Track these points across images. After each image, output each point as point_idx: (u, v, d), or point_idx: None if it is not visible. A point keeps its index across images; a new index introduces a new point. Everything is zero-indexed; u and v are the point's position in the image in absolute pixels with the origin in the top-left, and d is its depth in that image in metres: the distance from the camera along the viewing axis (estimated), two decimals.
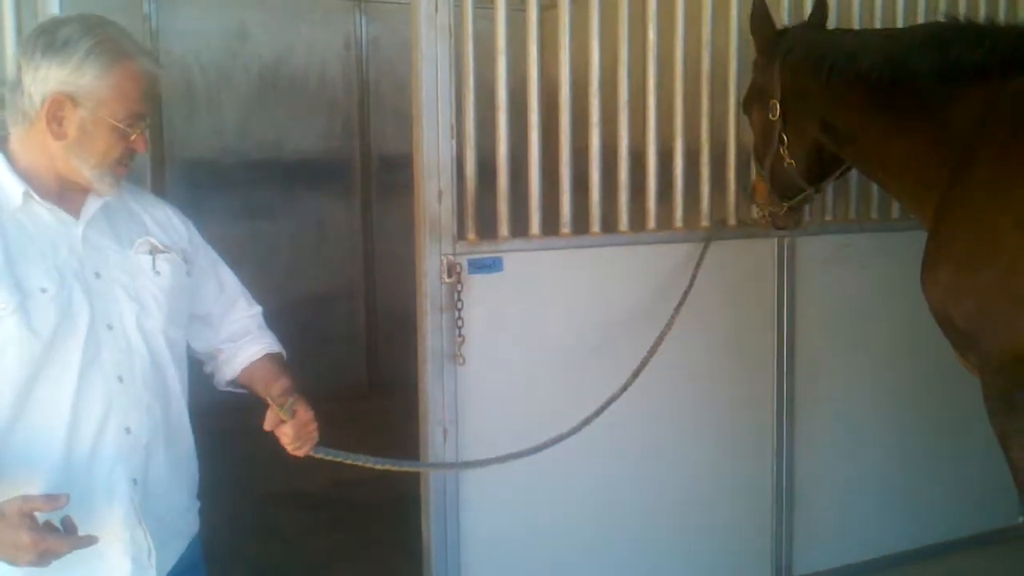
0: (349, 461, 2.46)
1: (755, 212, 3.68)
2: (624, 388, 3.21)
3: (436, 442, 3.23)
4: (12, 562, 1.80)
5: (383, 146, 7.04)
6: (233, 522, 4.15)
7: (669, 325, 3.35)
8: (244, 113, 6.63)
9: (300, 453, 2.26)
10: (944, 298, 2.81)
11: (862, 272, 3.93)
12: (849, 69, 3.04)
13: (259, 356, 2.38)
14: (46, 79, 1.94)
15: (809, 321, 3.87)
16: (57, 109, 1.96)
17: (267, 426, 2.22)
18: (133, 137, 2.02)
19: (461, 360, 3.20)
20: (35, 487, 1.94)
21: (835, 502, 4.02)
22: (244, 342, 2.39)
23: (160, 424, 2.14)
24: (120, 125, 1.99)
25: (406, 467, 2.82)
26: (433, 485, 3.26)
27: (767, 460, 3.87)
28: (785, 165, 3.34)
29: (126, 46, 1.99)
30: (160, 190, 6.07)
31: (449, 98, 3.16)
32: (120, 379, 2.06)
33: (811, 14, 3.45)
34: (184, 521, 2.28)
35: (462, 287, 3.18)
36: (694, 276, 3.46)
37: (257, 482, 5.08)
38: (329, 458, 2.39)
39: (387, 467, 2.56)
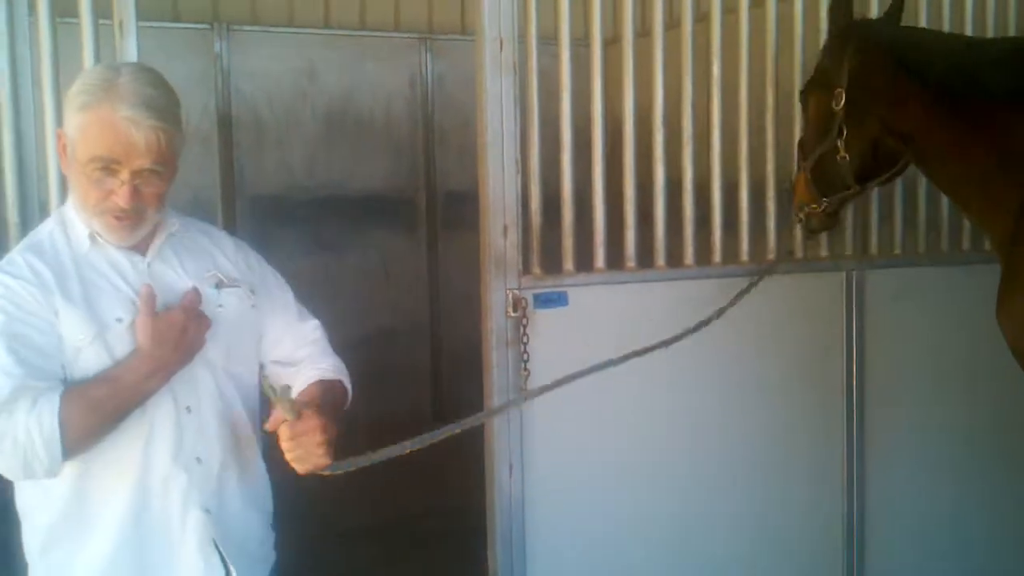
0: (375, 460, 2.11)
1: (794, 211, 3.50)
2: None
3: (502, 477, 3.23)
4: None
5: (448, 182, 7.09)
6: (303, 555, 4.17)
7: (696, 328, 3.22)
8: (312, 150, 6.73)
9: (300, 469, 2.01)
10: (1020, 331, 2.74)
11: (933, 305, 3.86)
12: (918, 71, 2.93)
13: (312, 380, 2.30)
14: (63, 115, 2.05)
15: (879, 354, 3.80)
16: (62, 145, 2.06)
17: (269, 425, 2.04)
18: (106, 185, 2.00)
19: (524, 402, 3.20)
20: (107, 515, 2.02)
21: (908, 538, 3.93)
22: (303, 366, 2.36)
23: (231, 454, 2.19)
24: (82, 169, 2.00)
25: (448, 431, 2.29)
26: (499, 520, 3.25)
27: (838, 495, 3.80)
28: (838, 159, 3.17)
29: (112, 93, 1.98)
30: (230, 225, 6.19)
31: (514, 134, 3.18)
32: (188, 409, 2.12)
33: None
34: (263, 549, 2.33)
35: (527, 321, 3.19)
36: (743, 293, 3.38)
37: (327, 515, 5.11)
38: (344, 470, 2.05)
39: (442, 435, 2.22)
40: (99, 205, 2.03)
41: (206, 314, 2.13)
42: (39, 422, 1.88)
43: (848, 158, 3.15)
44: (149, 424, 2.06)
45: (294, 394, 2.17)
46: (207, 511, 2.12)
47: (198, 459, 2.13)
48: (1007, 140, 2.77)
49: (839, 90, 3.12)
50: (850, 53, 3.10)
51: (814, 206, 3.35)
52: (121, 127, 1.96)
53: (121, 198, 2.00)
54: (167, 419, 2.08)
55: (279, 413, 2.00)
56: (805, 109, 3.40)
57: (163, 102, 2.03)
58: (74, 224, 2.11)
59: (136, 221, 2.07)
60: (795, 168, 3.51)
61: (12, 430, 1.88)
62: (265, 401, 2.32)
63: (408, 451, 2.18)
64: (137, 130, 1.96)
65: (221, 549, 2.13)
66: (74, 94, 2.01)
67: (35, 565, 2.12)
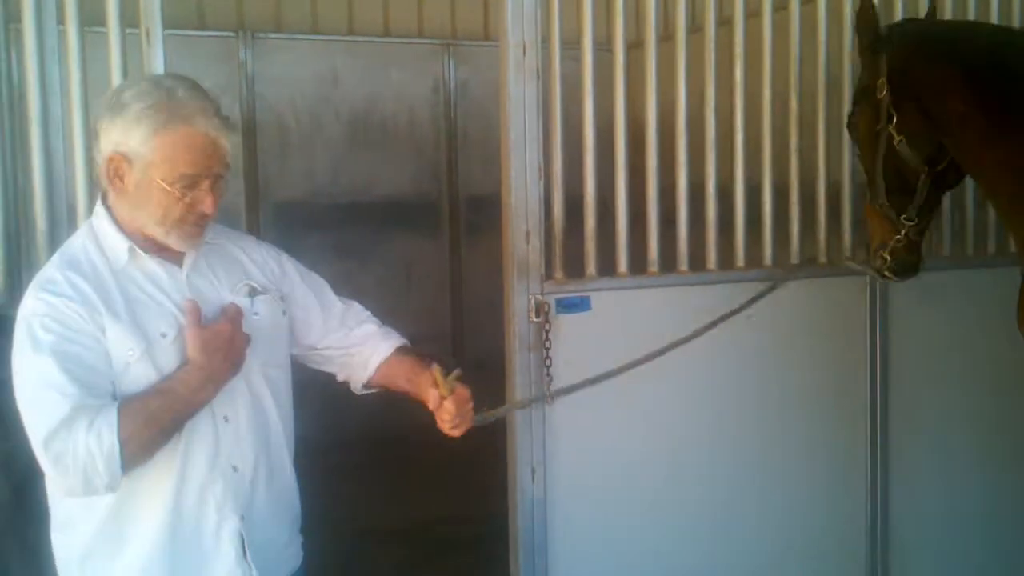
0: (498, 415, 2.67)
1: (872, 257, 3.29)
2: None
3: (524, 481, 3.23)
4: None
5: (471, 187, 7.10)
6: (329, 557, 4.19)
7: (700, 331, 3.24)
8: (335, 156, 6.77)
9: (457, 433, 2.32)
10: None
11: (957, 309, 3.84)
12: (952, 59, 2.89)
13: (391, 351, 2.47)
14: (107, 139, 2.04)
15: (903, 358, 3.78)
16: (116, 168, 2.05)
17: (431, 405, 2.30)
18: (189, 198, 2.05)
19: (549, 400, 3.20)
20: (143, 525, 2.07)
21: (933, 543, 3.91)
22: (372, 342, 2.48)
23: (263, 461, 2.22)
24: (168, 188, 2.03)
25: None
26: (521, 521, 3.25)
27: (862, 499, 3.79)
28: (895, 145, 3.03)
29: (182, 110, 2.02)
30: (254, 230, 6.23)
31: (537, 139, 3.19)
32: (225, 419, 2.15)
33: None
34: (287, 553, 2.34)
35: (550, 326, 3.19)
36: (764, 294, 3.37)
37: (351, 518, 5.13)
38: (485, 422, 2.51)
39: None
40: (184, 217, 2.07)
41: (244, 328, 2.16)
42: (99, 440, 1.90)
43: (904, 139, 3.01)
44: (187, 435, 2.08)
45: (375, 368, 2.45)
46: (242, 518, 2.15)
47: (234, 467, 2.15)
48: None
49: (881, 81, 3.03)
50: (885, 56, 3.03)
51: (897, 237, 3.12)
52: (204, 143, 2.03)
53: (208, 206, 2.07)
54: (205, 429, 2.11)
55: (437, 394, 2.28)
56: (855, 135, 3.27)
57: (221, 110, 2.10)
58: (109, 237, 2.11)
59: (206, 226, 2.15)
60: (865, 210, 3.32)
61: (72, 449, 1.90)
62: (295, 405, 2.39)
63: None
64: (218, 142, 2.05)
65: (251, 555, 2.16)
66: (137, 118, 2.01)
67: (72, 573, 2.13)
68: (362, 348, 2.46)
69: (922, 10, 3.47)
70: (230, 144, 2.09)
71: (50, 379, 1.93)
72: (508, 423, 3.26)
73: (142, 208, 2.07)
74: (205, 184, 2.05)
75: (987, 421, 3.94)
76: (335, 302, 2.49)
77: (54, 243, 2.71)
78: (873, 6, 3.19)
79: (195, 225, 2.10)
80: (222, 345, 2.06)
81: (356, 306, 2.53)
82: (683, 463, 3.47)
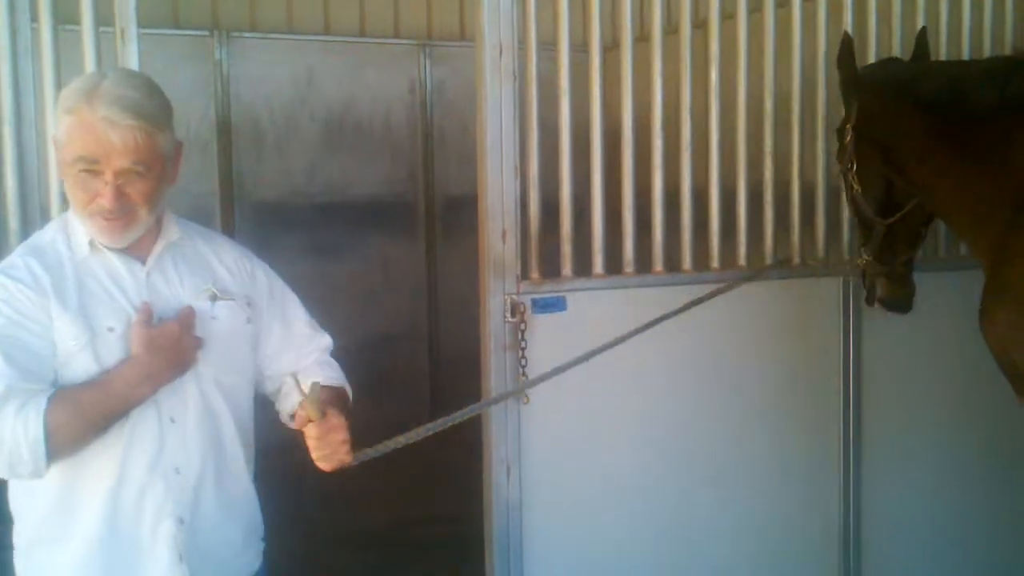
0: (392, 446, 2.25)
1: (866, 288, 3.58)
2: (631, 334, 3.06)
3: (500, 479, 3.24)
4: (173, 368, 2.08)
5: (447, 187, 7.12)
6: (297, 561, 4.19)
7: (680, 311, 3.22)
8: (311, 156, 6.76)
9: (325, 466, 2.09)
10: (1004, 340, 2.77)
11: (929, 309, 3.87)
12: (909, 93, 3.02)
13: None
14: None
15: (875, 358, 3.82)
16: (55, 151, 2.08)
17: (296, 423, 2.14)
18: (90, 187, 2.02)
19: (525, 399, 3.21)
20: (84, 519, 2.07)
21: (904, 545, 3.94)
22: (305, 373, 2.34)
23: (211, 466, 2.19)
24: (68, 169, 2.02)
25: (459, 417, 2.51)
26: (496, 523, 3.26)
27: (835, 498, 3.81)
28: (854, 193, 3.28)
29: (91, 95, 1.99)
30: (229, 230, 6.20)
31: (513, 140, 3.20)
32: (172, 420, 2.13)
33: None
34: (241, 560, 2.31)
35: (526, 326, 3.20)
36: (737, 284, 3.39)
37: (322, 521, 5.13)
38: (366, 459, 2.16)
39: (441, 427, 2.38)
40: (88, 207, 2.04)
41: (199, 331, 2.14)
42: (25, 425, 1.90)
43: (861, 190, 3.25)
44: (129, 432, 2.07)
45: (307, 388, 2.17)
46: (180, 521, 2.13)
47: (177, 469, 2.13)
48: (1001, 154, 2.82)
49: (848, 127, 3.24)
50: (856, 92, 3.21)
51: (861, 267, 3.46)
52: (99, 127, 1.98)
53: (106, 198, 2.02)
54: (149, 428, 2.10)
55: (305, 412, 2.04)
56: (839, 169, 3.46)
57: (143, 103, 2.03)
58: (76, 230, 2.13)
59: (126, 222, 2.08)
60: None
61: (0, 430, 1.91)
62: (259, 411, 2.36)
63: (420, 438, 2.30)
64: (113, 129, 1.98)
65: (188, 559, 2.13)
66: (61, 99, 2.04)
67: (19, 561, 2.15)
68: (291, 379, 2.31)
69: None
70: (138, 138, 2.00)
71: None
72: (483, 422, 3.26)
73: (68, 193, 2.08)
74: (107, 175, 2.01)
75: (959, 421, 3.98)
76: (301, 324, 2.43)
77: None
78: (851, 41, 3.28)
79: (104, 219, 2.05)
80: (166, 344, 2.05)
81: (324, 340, 2.46)
82: (658, 461, 3.48)
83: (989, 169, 2.83)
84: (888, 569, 3.91)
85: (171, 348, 2.06)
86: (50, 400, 1.93)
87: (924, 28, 3.47)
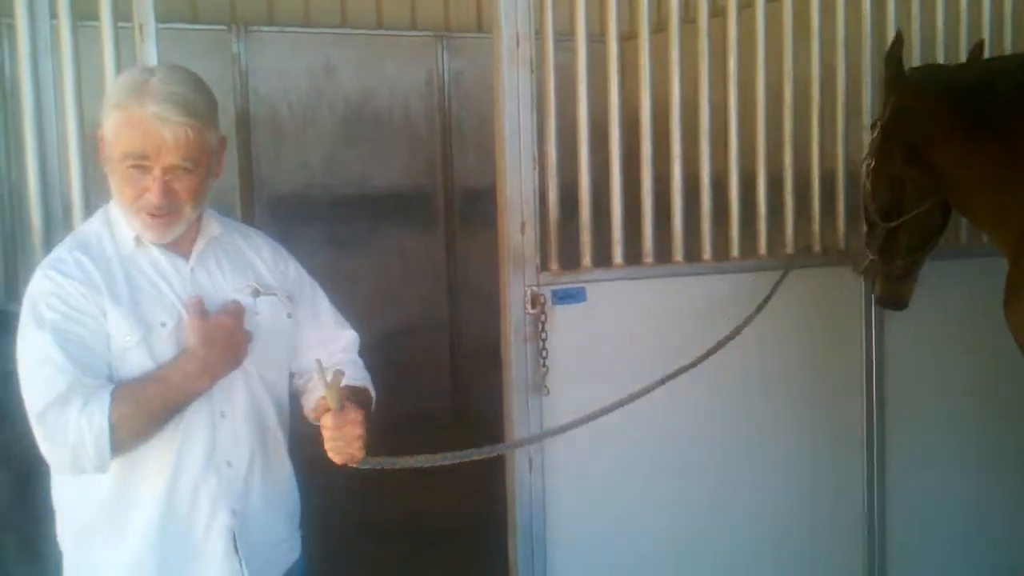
0: (404, 464, 2.25)
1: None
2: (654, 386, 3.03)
3: (522, 472, 3.24)
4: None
5: (465, 179, 7.11)
6: (327, 550, 4.21)
7: (723, 344, 3.23)
8: (330, 148, 6.77)
9: (337, 460, 2.10)
10: None
11: (952, 298, 3.85)
12: (944, 86, 3.06)
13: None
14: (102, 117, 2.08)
15: (898, 348, 3.80)
16: (100, 146, 2.08)
17: (314, 412, 2.18)
18: (139, 183, 2.02)
19: (546, 391, 3.21)
20: (140, 515, 2.08)
21: (930, 535, 3.92)
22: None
23: (258, 457, 2.22)
24: (117, 165, 2.03)
25: (477, 455, 2.48)
26: (519, 514, 3.26)
27: (858, 490, 3.80)
28: (864, 191, 3.32)
29: (141, 92, 2.00)
30: (248, 223, 6.19)
31: (531, 130, 3.19)
32: (222, 414, 2.15)
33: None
34: (280, 551, 2.33)
35: (546, 317, 3.20)
36: (766, 299, 3.39)
37: (351, 511, 5.15)
38: (377, 467, 2.16)
39: (458, 460, 2.36)
40: (135, 203, 2.05)
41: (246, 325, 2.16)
42: (90, 421, 1.92)
43: (872, 189, 3.28)
44: (184, 428, 2.09)
45: (330, 377, 2.16)
46: (234, 512, 2.16)
47: (229, 463, 2.16)
48: (1019, 143, 2.83)
49: (878, 122, 3.29)
50: (895, 91, 3.23)
51: (865, 264, 3.48)
52: (149, 124, 1.99)
53: (154, 194, 2.02)
54: (201, 423, 2.12)
55: (324, 401, 2.06)
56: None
57: (192, 100, 2.04)
58: (119, 224, 2.14)
59: (172, 219, 2.09)
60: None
61: (64, 426, 1.93)
62: (296, 403, 2.38)
63: (437, 464, 2.30)
64: (164, 126, 1.99)
65: (242, 550, 2.16)
66: (109, 95, 2.05)
67: (68, 556, 2.17)
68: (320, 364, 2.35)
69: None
70: (188, 135, 2.01)
71: (49, 356, 1.97)
72: (505, 412, 3.27)
73: (114, 188, 2.09)
74: (156, 171, 2.01)
75: (983, 409, 3.95)
76: (329, 320, 2.45)
77: (50, 241, 2.72)
78: (902, 40, 3.30)
79: (150, 215, 2.06)
80: (222, 338, 2.07)
81: (350, 335, 2.48)
82: (681, 453, 3.48)
83: (1014, 159, 2.83)
84: (913, 562, 3.89)
85: (226, 342, 2.08)
86: (113, 395, 1.95)
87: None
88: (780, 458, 3.66)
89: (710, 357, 3.20)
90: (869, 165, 3.30)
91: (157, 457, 2.07)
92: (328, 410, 2.06)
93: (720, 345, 3.21)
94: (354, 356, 2.47)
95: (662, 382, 3.00)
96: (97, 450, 1.94)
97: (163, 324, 2.08)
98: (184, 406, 2.06)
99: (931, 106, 3.09)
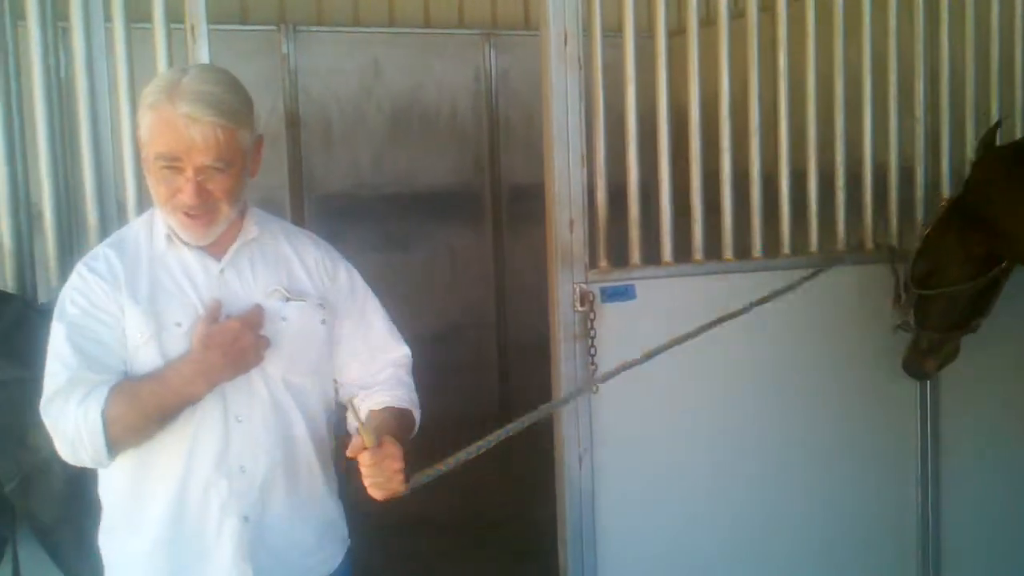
0: (444, 470, 2.13)
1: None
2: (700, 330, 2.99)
3: (572, 468, 3.24)
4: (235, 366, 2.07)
5: (513, 176, 7.11)
6: (371, 547, 4.23)
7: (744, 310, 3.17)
8: (378, 147, 6.80)
9: (377, 495, 2.00)
10: None
11: (1008, 292, 3.77)
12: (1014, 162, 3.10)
13: (381, 407, 2.24)
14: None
15: None
16: (139, 147, 2.10)
17: (350, 451, 2.00)
18: (173, 183, 2.02)
19: (595, 388, 3.20)
20: (153, 512, 2.11)
21: (984, 539, 3.87)
22: (375, 391, 2.29)
23: (280, 465, 2.17)
24: (151, 164, 2.03)
25: (514, 428, 2.34)
26: (569, 512, 3.26)
27: (911, 491, 3.76)
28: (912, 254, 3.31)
29: (174, 92, 1.99)
30: (298, 223, 6.23)
31: (579, 127, 3.19)
32: (238, 419, 2.12)
33: None
34: (313, 559, 2.28)
35: (595, 315, 3.19)
36: (800, 282, 3.35)
37: (393, 507, 5.16)
38: (422, 482, 2.08)
39: (493, 443, 2.24)
40: (169, 202, 2.05)
41: (267, 333, 2.12)
42: (86, 414, 1.95)
43: (917, 253, 3.29)
44: (195, 430, 2.08)
45: (364, 415, 2.14)
46: (245, 519, 2.13)
47: (242, 468, 2.12)
48: None
49: (947, 197, 3.36)
50: (977, 166, 3.22)
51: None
52: (180, 124, 1.97)
53: (187, 194, 2.02)
54: (214, 427, 2.10)
55: (360, 439, 1.98)
56: None
57: (224, 99, 2.02)
58: (157, 224, 2.16)
59: (209, 219, 2.08)
60: None
61: (63, 418, 1.98)
62: (340, 413, 2.32)
63: (476, 454, 2.20)
64: (194, 127, 1.97)
65: (253, 558, 2.13)
66: (143, 96, 2.05)
67: (103, 544, 2.21)
68: (363, 393, 2.29)
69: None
70: (219, 135, 1.99)
71: (59, 348, 2.02)
72: (555, 412, 3.26)
73: (151, 188, 2.09)
74: (188, 172, 2.00)
75: None
76: (379, 331, 2.37)
77: (105, 238, 2.75)
78: (998, 129, 3.28)
79: (185, 215, 2.06)
80: (223, 342, 2.03)
81: (400, 351, 2.39)
82: (731, 448, 3.45)
83: None
84: (969, 557, 3.84)
85: (228, 345, 2.03)
86: (111, 391, 1.98)
87: None
88: (833, 454, 3.62)
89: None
90: (926, 232, 3.26)
91: (168, 458, 2.08)
92: (364, 448, 1.96)
93: (765, 300, 3.19)
94: (402, 374, 2.37)
95: (713, 325, 2.99)
96: (92, 444, 1.97)
97: (178, 324, 2.07)
98: (181, 408, 2.04)
99: (1010, 172, 3.08)
